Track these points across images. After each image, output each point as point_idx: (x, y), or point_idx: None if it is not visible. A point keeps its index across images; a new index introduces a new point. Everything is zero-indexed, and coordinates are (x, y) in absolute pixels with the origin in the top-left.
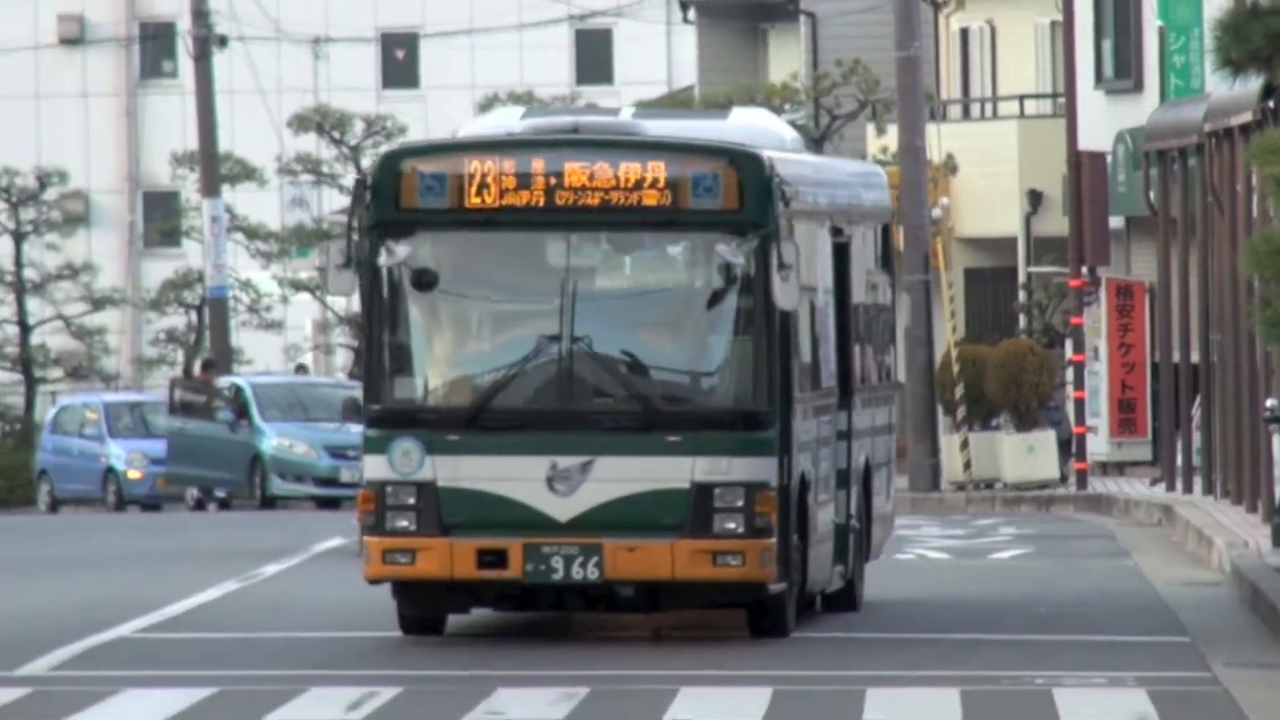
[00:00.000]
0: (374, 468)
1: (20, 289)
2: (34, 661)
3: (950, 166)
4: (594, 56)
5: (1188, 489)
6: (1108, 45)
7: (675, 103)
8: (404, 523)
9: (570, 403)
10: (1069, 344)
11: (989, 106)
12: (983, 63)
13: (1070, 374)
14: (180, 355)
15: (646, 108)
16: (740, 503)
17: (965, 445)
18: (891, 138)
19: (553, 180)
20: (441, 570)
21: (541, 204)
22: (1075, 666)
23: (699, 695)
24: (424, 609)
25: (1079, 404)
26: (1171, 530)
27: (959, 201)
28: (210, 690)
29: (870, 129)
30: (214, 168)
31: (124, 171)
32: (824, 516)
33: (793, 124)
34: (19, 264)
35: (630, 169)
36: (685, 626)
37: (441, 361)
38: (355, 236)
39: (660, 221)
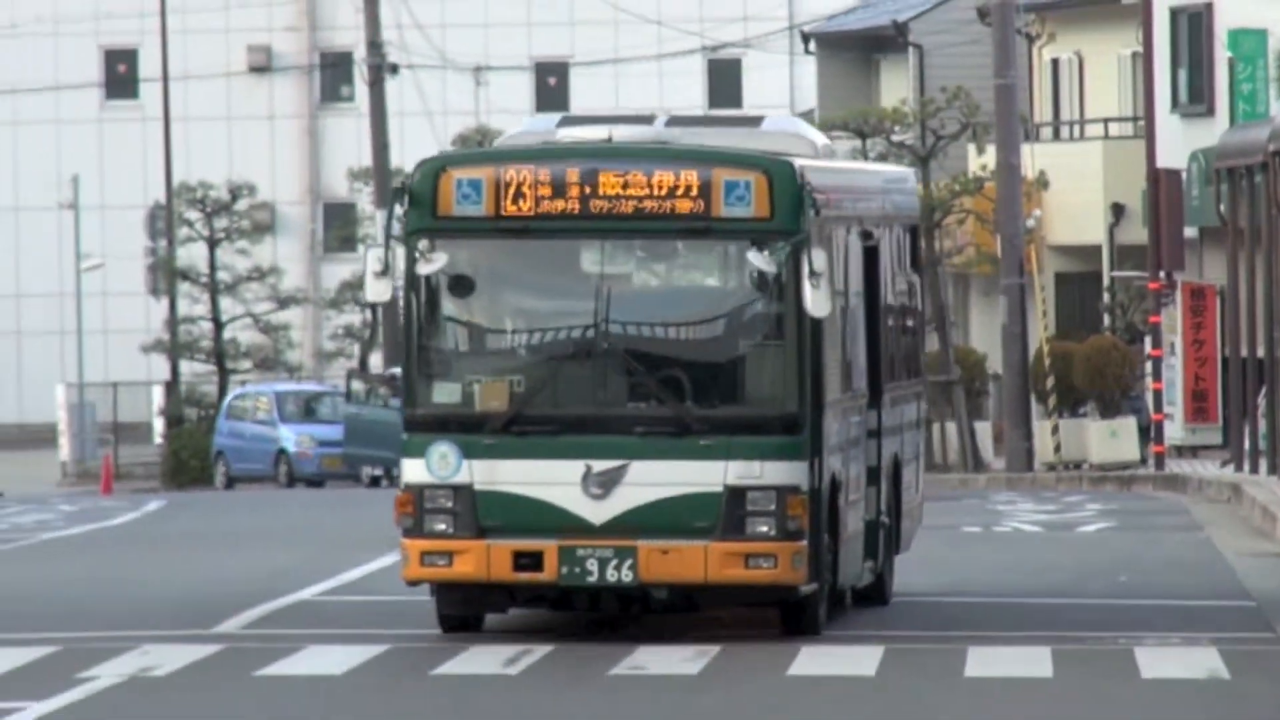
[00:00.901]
0: (412, 471)
1: (214, 290)
2: (226, 621)
3: (1042, 182)
4: (724, 83)
5: (1254, 469)
6: (1183, 75)
7: None
8: (441, 525)
9: (605, 407)
10: (1148, 340)
11: (1077, 129)
12: (1071, 89)
13: (1149, 367)
14: (356, 349)
15: (681, 117)
16: (772, 506)
17: (1056, 430)
18: (990, 157)
19: (588, 189)
20: (478, 572)
21: (576, 211)
22: (1153, 628)
23: (817, 652)
24: (462, 608)
25: (1157, 394)
26: (1240, 506)
27: (1050, 213)
28: (384, 647)
29: (971, 149)
30: (386, 182)
31: (306, 185)
32: (854, 515)
33: (900, 144)
34: (213, 267)
35: (663, 177)
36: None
37: (478, 367)
38: (393, 244)
39: (693, 229)
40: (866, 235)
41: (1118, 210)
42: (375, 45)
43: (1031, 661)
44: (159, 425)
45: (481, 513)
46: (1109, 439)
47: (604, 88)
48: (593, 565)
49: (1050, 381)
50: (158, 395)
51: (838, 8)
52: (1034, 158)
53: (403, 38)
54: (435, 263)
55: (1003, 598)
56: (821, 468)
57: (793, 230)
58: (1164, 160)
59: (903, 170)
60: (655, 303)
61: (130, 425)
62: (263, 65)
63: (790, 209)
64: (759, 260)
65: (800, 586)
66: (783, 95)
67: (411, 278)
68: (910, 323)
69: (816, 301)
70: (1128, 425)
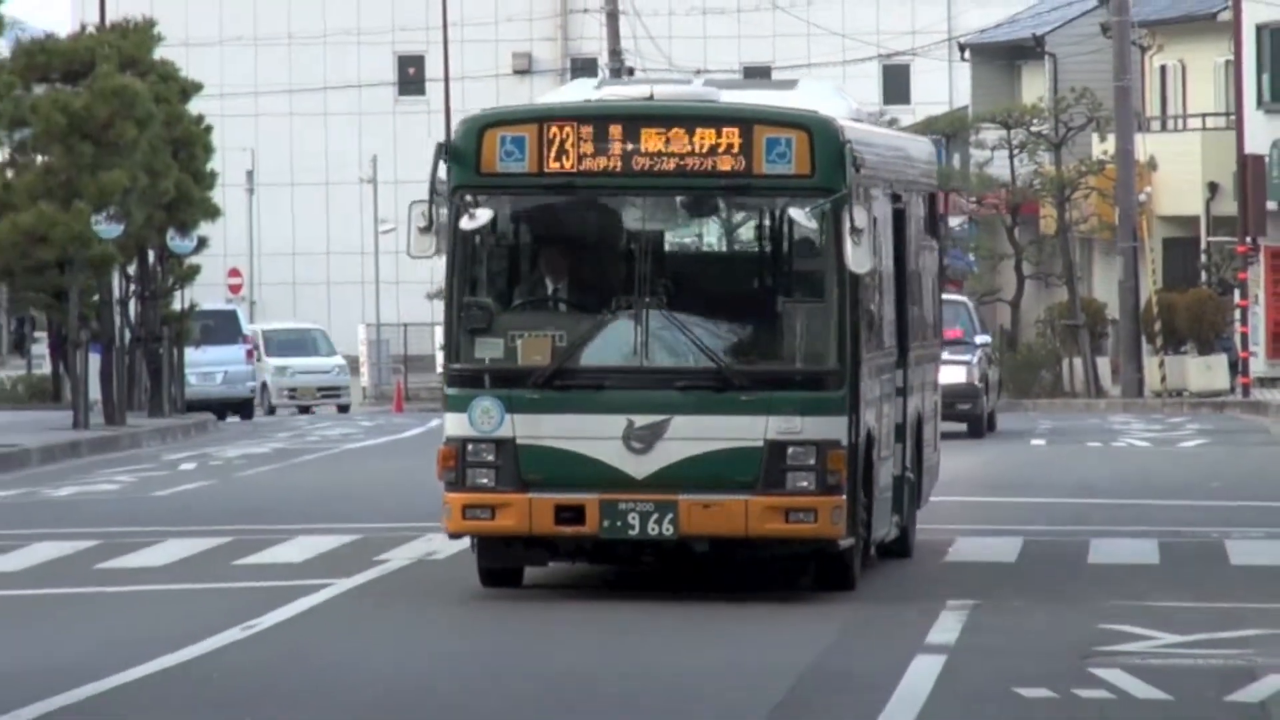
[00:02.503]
0: (454, 425)
1: None
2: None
3: (1152, 165)
4: (896, 85)
5: None
6: (1266, 78)
7: (954, 120)
8: (484, 479)
9: (646, 362)
10: (1237, 293)
11: (1180, 121)
12: (1175, 90)
13: (1238, 314)
14: None
15: (718, 80)
16: (812, 461)
17: (1161, 365)
18: (1110, 144)
19: (629, 146)
20: (520, 526)
21: (618, 169)
22: (1240, 524)
23: (970, 543)
24: (503, 562)
25: (1244, 336)
26: None
27: (1158, 190)
28: None
29: (1095, 138)
30: None
31: None
32: (885, 471)
33: (1037, 134)
34: None
35: (705, 135)
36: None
37: (520, 322)
38: (435, 201)
39: (734, 186)
40: (895, 198)
41: (1213, 188)
42: (615, 53)
43: (1142, 549)
44: (439, 357)
45: (524, 467)
46: (1204, 372)
47: None
48: (634, 519)
49: (1157, 325)
50: (439, 333)
51: (988, 23)
52: (1145, 145)
53: (637, 46)
54: (478, 219)
55: (1118, 499)
56: (858, 423)
57: (834, 187)
58: (1251, 147)
59: (921, 138)
60: (696, 259)
61: (417, 357)
62: (525, 69)
63: (832, 166)
64: (800, 217)
65: (839, 540)
66: (943, 95)
67: (454, 234)
68: (930, 286)
69: (858, 258)
70: (1220, 361)
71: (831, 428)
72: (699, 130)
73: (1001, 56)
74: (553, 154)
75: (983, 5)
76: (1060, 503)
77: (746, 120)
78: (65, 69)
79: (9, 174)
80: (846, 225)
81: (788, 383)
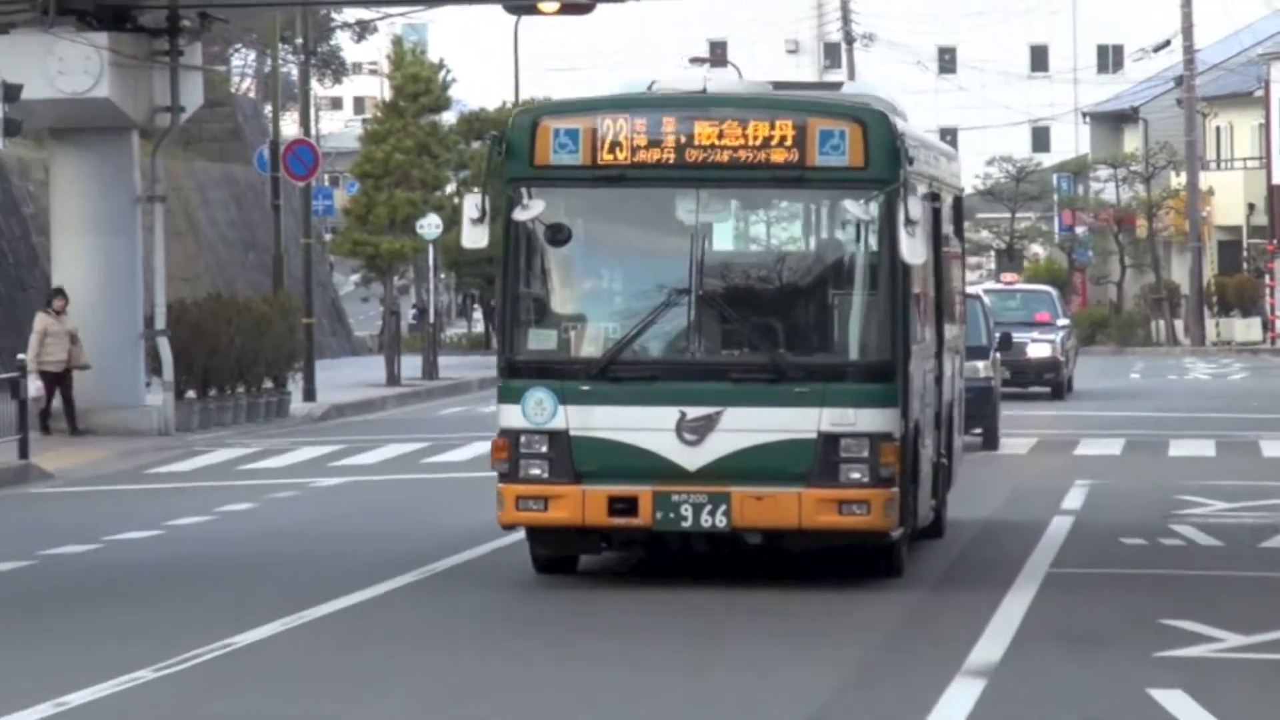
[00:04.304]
0: (508, 417)
1: None
2: None
3: (1210, 192)
4: (1040, 139)
5: None
6: None
7: (1079, 163)
8: (537, 470)
9: (699, 354)
10: (1267, 276)
11: (1229, 163)
12: (1226, 142)
13: (1268, 291)
14: None
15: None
16: (865, 453)
17: (1217, 324)
18: (1182, 179)
19: (683, 138)
20: (573, 517)
21: (672, 161)
22: (1270, 429)
23: (1091, 442)
24: (555, 549)
25: (1272, 305)
26: None
27: (1214, 209)
28: None
29: (1172, 174)
30: None
31: None
32: (926, 458)
33: (1134, 171)
34: None
35: (759, 127)
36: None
37: (574, 313)
38: (489, 192)
39: (788, 178)
40: (933, 197)
41: (1251, 207)
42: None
43: (1203, 448)
44: None
45: (577, 458)
46: (1245, 329)
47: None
48: (687, 510)
49: (1214, 298)
50: None
51: (1101, 98)
52: (1206, 179)
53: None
54: (531, 210)
55: (1188, 413)
56: (909, 415)
57: (888, 179)
58: (1276, 180)
59: (947, 146)
60: (750, 251)
61: None
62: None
63: (885, 158)
64: (854, 209)
65: (891, 532)
66: (1071, 147)
67: (509, 226)
68: (958, 279)
69: (912, 249)
70: (1256, 322)
71: (884, 420)
72: (753, 122)
73: (1110, 120)
74: (606, 147)
75: (1098, 85)
76: (1149, 415)
77: (800, 112)
78: (493, 130)
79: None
80: (901, 217)
81: (841, 375)
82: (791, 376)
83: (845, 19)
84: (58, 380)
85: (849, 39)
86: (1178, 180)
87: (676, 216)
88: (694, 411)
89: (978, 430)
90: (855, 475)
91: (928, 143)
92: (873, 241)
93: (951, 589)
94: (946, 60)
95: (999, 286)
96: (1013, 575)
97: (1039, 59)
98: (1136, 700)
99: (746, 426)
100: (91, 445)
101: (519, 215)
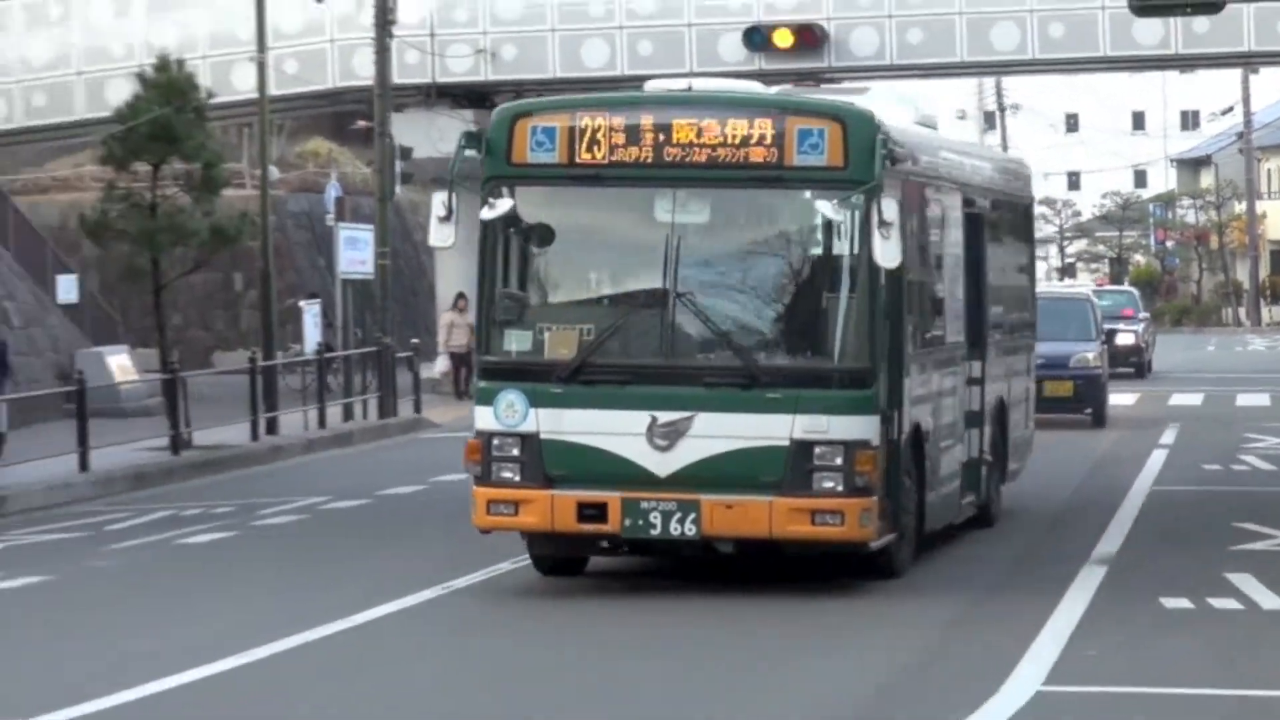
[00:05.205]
0: (481, 418)
1: None
2: None
3: (1264, 215)
4: (1140, 179)
5: None
6: None
7: (1169, 196)
8: (508, 474)
9: (672, 358)
10: None
11: (1277, 194)
12: (1275, 178)
13: None
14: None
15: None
16: (839, 461)
17: (1270, 311)
18: (1244, 206)
19: (661, 137)
20: (542, 522)
21: (650, 160)
22: None
23: (1179, 396)
24: (551, 549)
25: None
26: None
27: (1268, 227)
28: None
29: (1236, 203)
30: None
31: None
32: (948, 460)
33: (1210, 201)
34: None
35: (737, 126)
36: None
37: (547, 315)
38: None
39: (766, 178)
40: (968, 202)
41: None
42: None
43: (1261, 399)
44: None
45: (548, 462)
46: None
47: None
48: (656, 518)
49: (1268, 292)
50: None
51: (1184, 149)
52: (1261, 206)
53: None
54: (498, 209)
55: (1247, 374)
56: (901, 419)
57: (864, 179)
58: None
59: (1015, 158)
60: (726, 253)
61: None
62: None
63: (864, 158)
64: (829, 210)
65: (869, 543)
66: (1163, 184)
67: (484, 225)
68: (1022, 283)
69: (886, 252)
70: None
71: (860, 427)
72: (731, 121)
73: (1191, 165)
74: (584, 145)
75: (1182, 139)
76: (1223, 375)
77: (779, 111)
78: None
79: None
80: (875, 219)
81: (816, 380)
82: (764, 382)
83: (999, 93)
84: (461, 359)
85: (1001, 108)
86: (1240, 207)
87: (653, 216)
88: (665, 416)
89: (1088, 410)
90: (829, 484)
91: (960, 154)
92: (851, 244)
93: (1080, 501)
94: (1071, 122)
95: (1094, 288)
96: (1124, 492)
97: (1139, 120)
98: (1216, 581)
99: (718, 433)
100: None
101: (485, 214)
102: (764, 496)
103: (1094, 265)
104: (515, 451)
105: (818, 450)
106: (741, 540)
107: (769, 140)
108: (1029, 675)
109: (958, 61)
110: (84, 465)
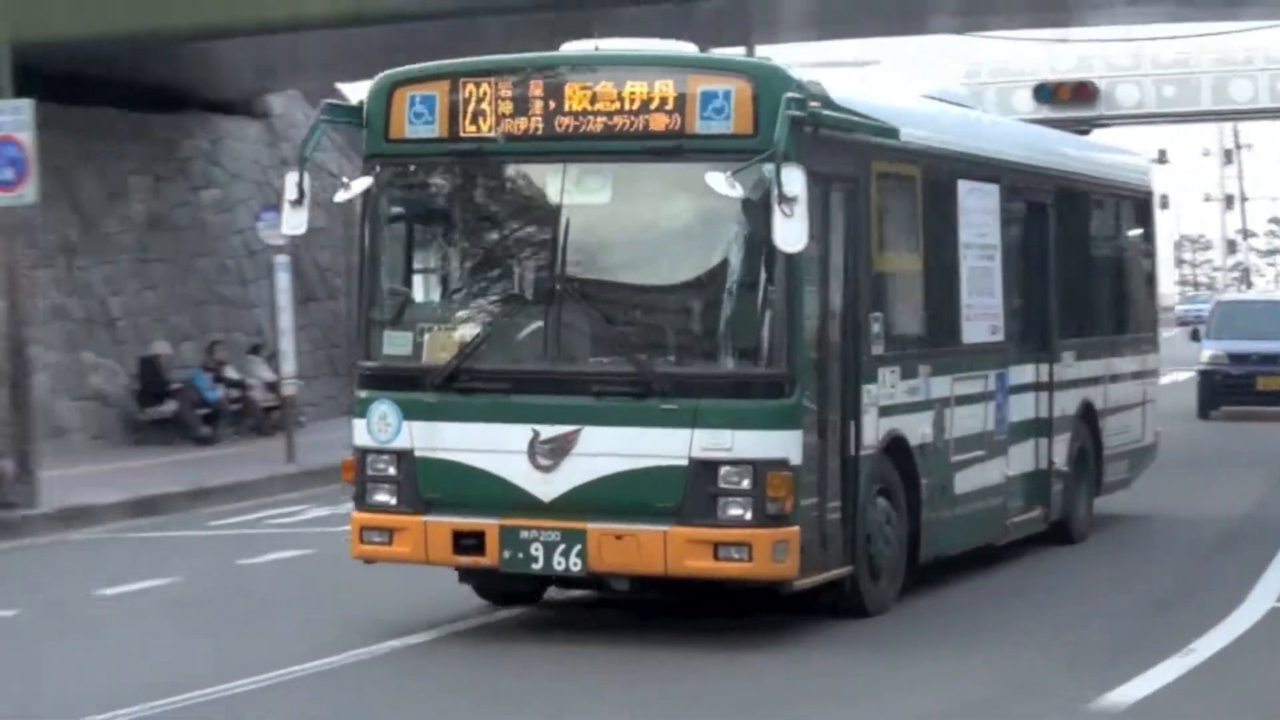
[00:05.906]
0: (358, 433)
1: None
2: None
3: None
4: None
5: None
6: None
7: None
8: (382, 496)
9: (557, 363)
10: None
11: None
12: None
13: None
14: None
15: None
16: (747, 484)
17: None
18: None
19: (553, 104)
20: (416, 554)
21: (538, 132)
22: None
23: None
24: (487, 580)
25: None
26: None
27: None
28: None
29: None
30: None
31: None
32: (974, 474)
33: None
34: None
35: (636, 89)
36: None
37: (424, 314)
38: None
39: (663, 149)
40: (1015, 191)
41: None
42: None
43: None
44: None
45: (422, 483)
46: None
47: None
48: (537, 550)
49: None
50: None
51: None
52: None
53: None
54: (351, 190)
55: None
56: (859, 432)
57: (765, 147)
58: None
59: (1132, 158)
60: (622, 240)
61: None
62: None
63: (770, 122)
64: (718, 184)
65: (790, 581)
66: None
67: (363, 213)
68: (1127, 282)
69: (788, 234)
70: None
71: (774, 444)
72: (629, 84)
73: None
74: (467, 117)
75: None
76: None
77: (682, 69)
78: None
79: None
80: (774, 195)
81: (720, 389)
82: (659, 390)
83: (1235, 135)
84: None
85: (1237, 146)
86: None
87: (540, 197)
88: (548, 431)
89: None
90: (735, 511)
91: (1007, 139)
92: (759, 227)
93: (1251, 526)
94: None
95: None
96: None
97: None
98: None
99: (607, 450)
100: None
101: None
102: (659, 526)
103: None
104: (391, 470)
105: (722, 471)
106: (634, 578)
107: (670, 105)
108: None
109: (1202, 110)
110: None
